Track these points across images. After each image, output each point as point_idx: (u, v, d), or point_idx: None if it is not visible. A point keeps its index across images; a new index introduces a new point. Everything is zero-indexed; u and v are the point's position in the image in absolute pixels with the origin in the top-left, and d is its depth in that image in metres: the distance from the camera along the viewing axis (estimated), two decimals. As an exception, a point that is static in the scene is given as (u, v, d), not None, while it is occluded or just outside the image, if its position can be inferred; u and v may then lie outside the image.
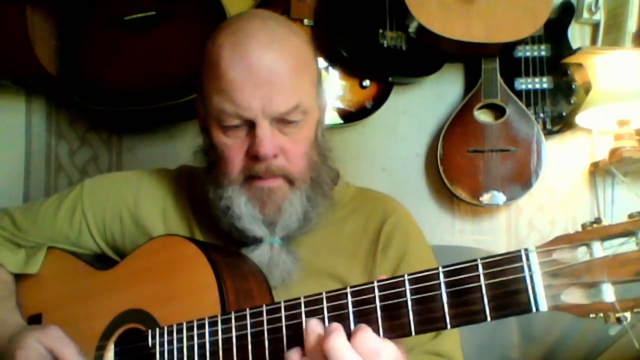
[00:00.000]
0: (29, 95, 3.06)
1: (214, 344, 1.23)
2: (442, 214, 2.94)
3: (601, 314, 0.89)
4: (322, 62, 2.76)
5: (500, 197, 2.72)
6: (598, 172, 2.86)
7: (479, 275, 0.97)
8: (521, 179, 2.73)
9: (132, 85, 2.68)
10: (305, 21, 2.77)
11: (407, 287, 1.03)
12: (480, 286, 0.97)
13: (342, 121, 2.83)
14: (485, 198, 2.72)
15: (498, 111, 2.81)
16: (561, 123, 2.80)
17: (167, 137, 3.01)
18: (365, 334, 1.03)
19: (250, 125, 1.40)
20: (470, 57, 2.86)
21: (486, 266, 0.97)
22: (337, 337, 1.03)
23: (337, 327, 1.05)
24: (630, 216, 0.90)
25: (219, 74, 1.38)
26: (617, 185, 2.85)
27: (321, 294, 1.12)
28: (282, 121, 1.40)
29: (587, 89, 2.74)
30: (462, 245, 2.80)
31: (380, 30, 2.76)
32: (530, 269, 0.93)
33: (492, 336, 2.41)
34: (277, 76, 1.37)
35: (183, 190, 1.68)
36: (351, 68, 2.82)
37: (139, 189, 1.68)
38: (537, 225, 2.90)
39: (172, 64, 2.64)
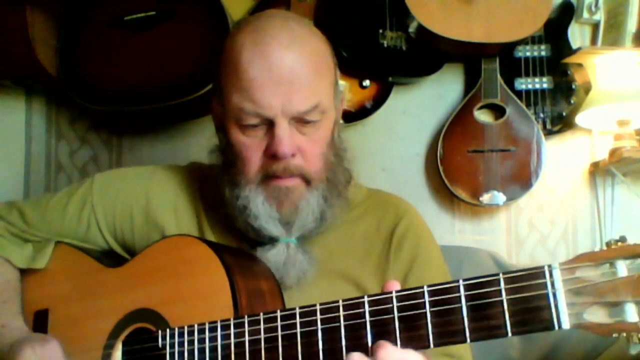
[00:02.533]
0: (29, 95, 3.06)
1: (226, 347, 1.23)
2: (442, 214, 2.94)
3: (624, 334, 0.90)
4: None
5: (500, 197, 2.73)
6: (598, 172, 2.86)
7: (500, 290, 0.97)
8: (521, 179, 2.74)
9: (132, 85, 2.67)
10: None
11: (427, 298, 1.03)
12: (502, 301, 0.97)
13: (342, 121, 2.81)
14: (485, 198, 2.73)
15: (498, 111, 2.81)
16: (561, 123, 2.80)
17: (167, 137, 3.01)
18: (386, 349, 1.04)
19: (269, 125, 1.40)
20: (470, 57, 2.87)
21: (508, 281, 0.97)
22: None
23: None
24: (656, 235, 0.90)
25: (239, 73, 1.38)
26: (617, 185, 2.85)
27: (337, 301, 1.12)
28: (300, 121, 1.41)
29: (587, 89, 2.74)
30: (462, 245, 2.79)
31: (380, 30, 2.76)
32: (553, 286, 0.93)
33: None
34: (297, 76, 1.37)
35: (195, 187, 1.68)
36: (351, 68, 2.81)
37: (150, 185, 1.66)
38: (537, 225, 2.91)
39: (172, 64, 2.64)
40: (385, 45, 2.76)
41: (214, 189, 1.56)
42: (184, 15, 2.67)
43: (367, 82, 2.82)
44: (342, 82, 2.81)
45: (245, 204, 1.46)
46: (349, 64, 2.79)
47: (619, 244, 0.90)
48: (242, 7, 2.82)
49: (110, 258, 1.64)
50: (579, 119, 2.74)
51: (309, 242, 1.53)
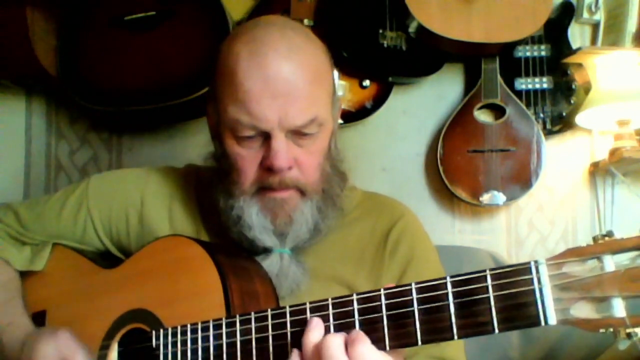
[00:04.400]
0: (29, 95, 3.05)
1: (218, 347, 1.23)
2: (442, 214, 2.94)
3: (611, 329, 0.89)
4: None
5: (500, 197, 2.72)
6: (598, 172, 2.86)
7: (487, 287, 0.97)
8: (521, 179, 2.73)
9: (132, 85, 2.67)
10: (305, 21, 2.76)
11: (415, 296, 1.03)
12: (489, 297, 0.96)
13: (342, 121, 2.82)
14: (485, 198, 2.72)
15: (498, 111, 2.81)
16: (561, 123, 2.80)
17: (167, 137, 3.01)
18: (364, 345, 1.03)
19: (265, 137, 1.38)
20: (470, 57, 2.86)
21: (495, 277, 0.97)
22: (335, 339, 1.05)
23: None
24: (643, 230, 0.89)
25: (235, 84, 1.35)
26: (617, 185, 2.85)
27: (327, 300, 1.12)
28: (297, 133, 1.38)
29: (587, 89, 2.74)
30: (462, 245, 2.79)
31: (380, 30, 2.76)
32: (539, 282, 0.93)
33: (492, 336, 2.40)
34: (294, 88, 1.34)
35: (191, 190, 1.67)
36: (351, 68, 2.81)
37: (145, 187, 1.66)
38: (537, 225, 2.91)
39: (172, 64, 2.63)
40: (385, 45, 2.76)
41: (209, 195, 1.55)
42: (183, 15, 2.67)
43: (367, 82, 2.81)
44: (342, 82, 2.81)
45: (239, 215, 1.45)
46: (349, 64, 2.79)
47: (606, 238, 0.89)
48: (242, 7, 2.83)
49: (106, 259, 1.65)
50: (579, 119, 2.74)
51: (302, 253, 1.52)
